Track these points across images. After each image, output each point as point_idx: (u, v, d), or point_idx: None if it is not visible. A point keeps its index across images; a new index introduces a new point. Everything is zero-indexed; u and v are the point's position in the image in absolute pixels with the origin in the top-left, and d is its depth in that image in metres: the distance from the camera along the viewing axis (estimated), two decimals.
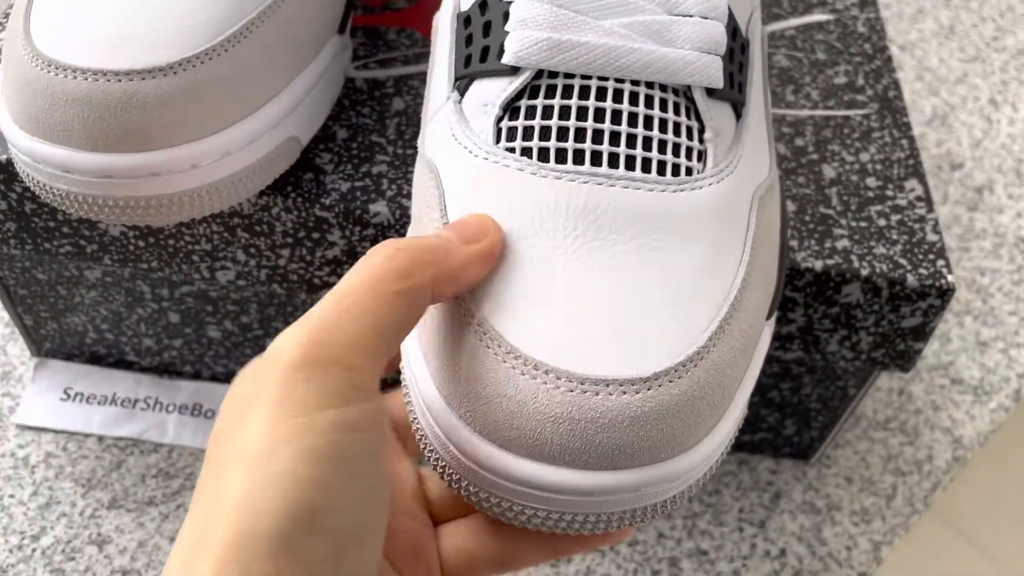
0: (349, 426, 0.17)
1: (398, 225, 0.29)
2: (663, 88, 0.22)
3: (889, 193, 0.31)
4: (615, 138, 0.21)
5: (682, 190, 0.21)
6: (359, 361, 0.17)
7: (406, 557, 0.21)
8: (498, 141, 0.22)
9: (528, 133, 0.22)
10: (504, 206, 0.21)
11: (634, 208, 0.21)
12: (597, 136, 0.21)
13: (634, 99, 0.22)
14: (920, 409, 0.40)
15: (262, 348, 0.36)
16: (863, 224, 0.30)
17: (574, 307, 0.19)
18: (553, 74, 0.22)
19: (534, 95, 0.22)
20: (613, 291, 0.20)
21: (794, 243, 0.29)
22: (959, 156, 0.51)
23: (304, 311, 0.34)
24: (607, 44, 0.21)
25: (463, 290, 0.20)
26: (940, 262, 0.29)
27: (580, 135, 0.21)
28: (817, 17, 0.37)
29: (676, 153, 0.22)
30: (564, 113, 0.21)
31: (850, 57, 0.36)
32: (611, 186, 0.21)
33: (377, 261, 0.19)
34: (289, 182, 0.29)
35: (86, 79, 0.23)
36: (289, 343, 0.17)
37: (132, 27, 0.24)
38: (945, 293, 0.29)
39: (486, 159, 0.22)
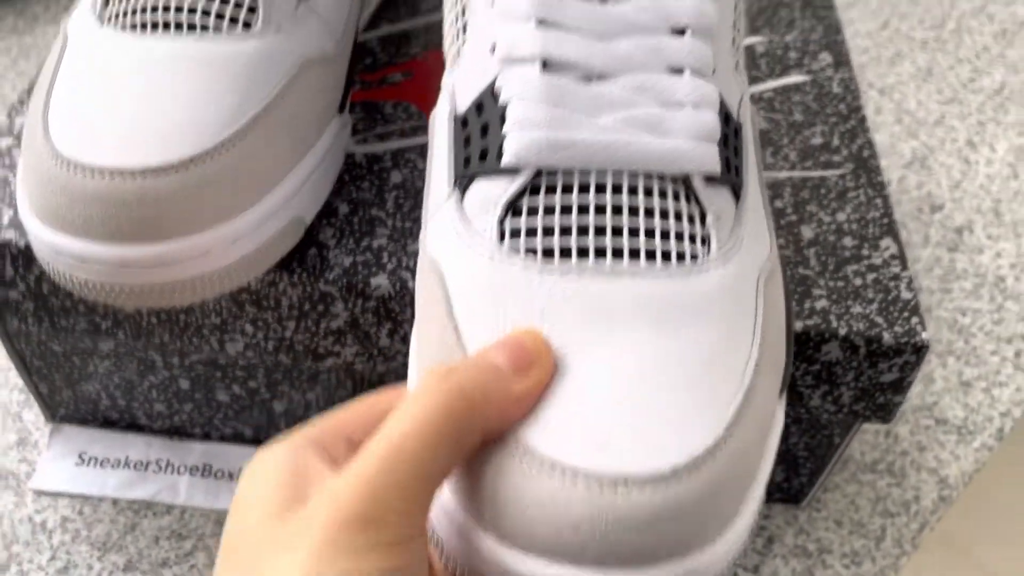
0: (400, 572, 0.17)
1: (398, 297, 0.30)
2: (662, 177, 0.22)
3: (865, 252, 0.32)
4: (618, 231, 0.22)
5: (689, 277, 0.22)
6: (412, 509, 0.17)
7: None
8: (502, 241, 0.22)
9: (532, 232, 0.22)
10: (512, 307, 0.21)
11: (643, 297, 0.21)
12: (600, 231, 0.22)
13: (634, 190, 0.22)
14: (906, 450, 0.42)
15: (269, 411, 0.37)
16: (840, 284, 0.31)
17: (589, 404, 0.19)
18: (553, 171, 0.22)
19: (535, 192, 0.22)
20: (627, 385, 0.20)
21: None
22: (939, 198, 0.53)
23: (310, 377, 0.35)
24: (604, 140, 0.22)
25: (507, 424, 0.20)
26: (914, 319, 0.30)
27: (583, 231, 0.22)
28: (794, 79, 0.39)
29: (680, 240, 0.22)
30: (566, 210, 0.22)
31: (826, 118, 0.37)
32: (618, 279, 0.21)
33: (434, 405, 0.18)
34: (294, 258, 0.30)
35: (103, 178, 0.25)
36: (345, 494, 0.17)
37: (145, 126, 0.26)
38: (920, 349, 0.30)
39: (491, 259, 0.22)
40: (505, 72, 0.23)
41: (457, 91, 0.25)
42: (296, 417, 0.37)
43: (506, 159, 0.22)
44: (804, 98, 0.38)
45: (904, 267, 0.32)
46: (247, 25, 0.28)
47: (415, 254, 0.31)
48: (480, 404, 0.19)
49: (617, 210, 0.22)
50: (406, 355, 0.32)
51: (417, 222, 0.32)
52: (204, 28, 0.27)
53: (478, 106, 0.24)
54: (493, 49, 0.24)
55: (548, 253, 0.22)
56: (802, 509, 0.39)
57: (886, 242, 0.33)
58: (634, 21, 0.23)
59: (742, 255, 0.23)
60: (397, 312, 0.31)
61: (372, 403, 0.22)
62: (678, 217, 0.22)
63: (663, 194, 0.22)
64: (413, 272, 0.30)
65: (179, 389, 0.37)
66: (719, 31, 0.25)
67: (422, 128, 0.35)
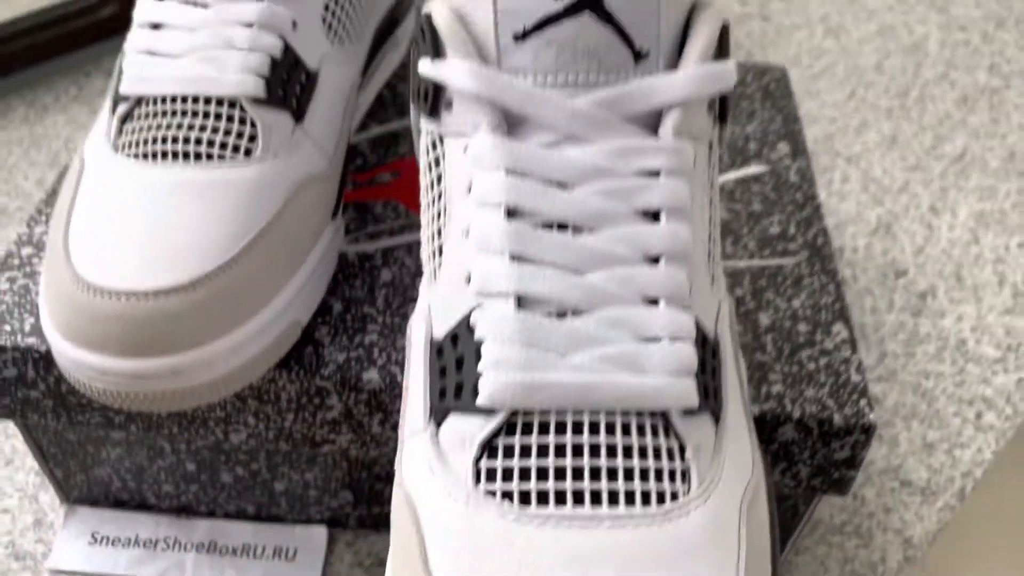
0: None
1: (388, 390, 0.33)
2: (639, 414, 0.22)
3: (818, 337, 0.35)
4: (596, 473, 0.21)
5: (670, 520, 0.21)
6: None
7: None
8: (478, 483, 0.22)
9: (508, 474, 0.22)
10: (488, 560, 0.21)
11: (621, 547, 0.20)
12: (577, 473, 0.21)
13: (611, 429, 0.22)
14: (873, 512, 0.44)
15: (270, 490, 0.40)
16: (795, 368, 0.34)
17: None
18: (528, 411, 0.22)
19: (511, 432, 0.22)
20: None
21: None
22: (903, 264, 0.56)
23: (308, 460, 0.38)
24: (579, 381, 0.22)
25: None
26: (863, 401, 0.33)
27: (561, 474, 0.21)
28: (753, 169, 0.42)
29: (659, 478, 0.22)
30: (542, 451, 0.22)
31: (783, 207, 0.40)
32: (596, 527, 0.21)
33: None
34: (292, 356, 0.33)
35: (119, 299, 0.28)
36: None
37: (156, 250, 0.29)
38: (868, 430, 0.33)
39: (466, 504, 0.22)
40: (480, 308, 0.23)
41: (434, 313, 0.25)
42: (296, 495, 0.40)
43: (481, 400, 0.22)
44: (763, 188, 0.41)
45: (854, 350, 0.35)
46: (248, 152, 0.31)
47: (403, 349, 0.34)
48: None
49: (595, 451, 0.22)
50: (396, 441, 0.34)
51: (405, 318, 0.35)
52: (209, 157, 0.30)
53: (453, 337, 0.24)
54: (468, 279, 0.24)
55: (525, 498, 0.21)
56: (775, 572, 0.41)
57: (837, 327, 0.36)
58: (607, 252, 0.23)
59: (723, 486, 0.23)
60: (387, 403, 0.33)
61: None
62: (656, 454, 0.22)
63: (641, 431, 0.22)
64: (402, 366, 0.33)
65: (186, 471, 0.40)
66: (694, 251, 0.24)
67: (410, 226, 0.38)
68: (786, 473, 0.34)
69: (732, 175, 0.42)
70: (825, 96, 0.68)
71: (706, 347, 0.24)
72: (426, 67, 0.25)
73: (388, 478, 0.38)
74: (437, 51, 0.24)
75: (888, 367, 0.50)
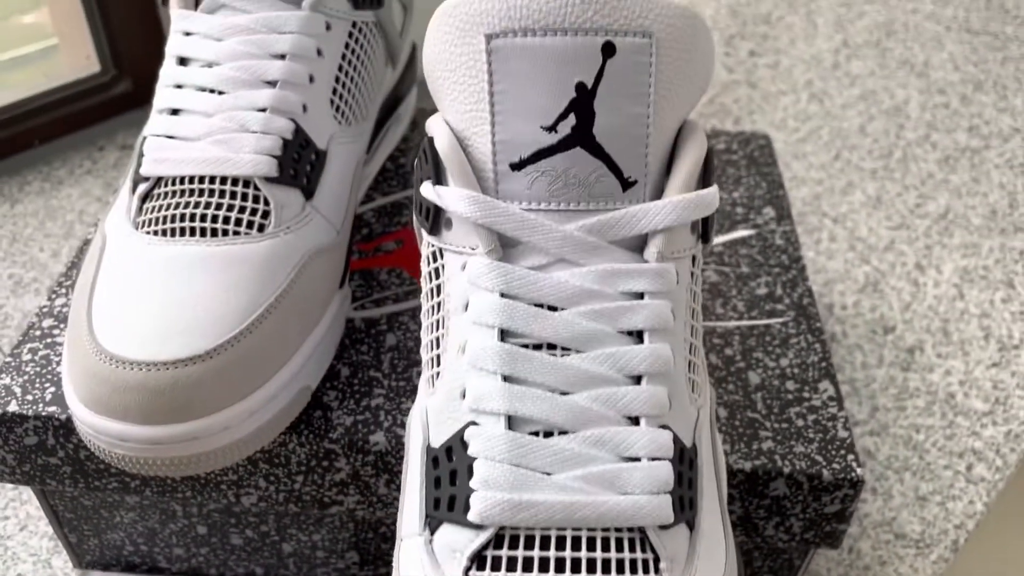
0: None
1: (394, 451, 0.34)
2: (618, 529, 0.24)
3: (806, 395, 0.37)
4: None
5: None
6: None
7: None
8: None
9: None
10: None
11: None
12: None
13: (591, 545, 0.23)
14: (868, 565, 0.45)
15: (279, 551, 0.41)
16: (784, 425, 0.35)
17: None
18: (516, 527, 0.24)
19: (499, 545, 0.24)
20: None
21: (727, 446, 0.35)
22: (891, 320, 0.58)
23: (316, 521, 0.39)
24: (563, 501, 0.23)
25: None
26: (850, 456, 0.34)
27: None
28: (741, 233, 0.44)
29: None
30: (528, 565, 0.23)
31: (770, 269, 0.42)
32: None
33: None
34: (302, 420, 0.35)
35: (140, 370, 0.29)
36: None
37: (175, 323, 0.30)
38: (856, 484, 0.34)
39: None
40: (473, 426, 0.25)
41: (431, 419, 0.27)
42: (303, 557, 0.41)
43: (472, 516, 0.24)
44: (750, 251, 0.43)
45: (840, 408, 0.36)
46: (261, 228, 0.33)
47: (408, 411, 0.35)
48: None
49: (576, 565, 0.23)
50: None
51: (410, 381, 0.36)
52: (224, 232, 0.32)
53: (448, 450, 0.25)
54: (463, 394, 0.25)
55: None
56: None
57: (824, 384, 0.37)
58: (592, 372, 0.25)
59: None
60: (393, 464, 0.35)
61: None
62: (632, 567, 0.23)
63: (619, 545, 0.23)
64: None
65: (197, 534, 0.41)
66: (675, 367, 0.26)
67: (413, 292, 0.40)
68: (779, 527, 0.35)
69: (721, 239, 0.44)
70: (811, 158, 0.71)
71: (684, 459, 0.25)
72: (428, 191, 0.27)
73: (393, 538, 0.39)
74: (438, 174, 0.26)
75: (879, 421, 0.51)
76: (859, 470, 0.34)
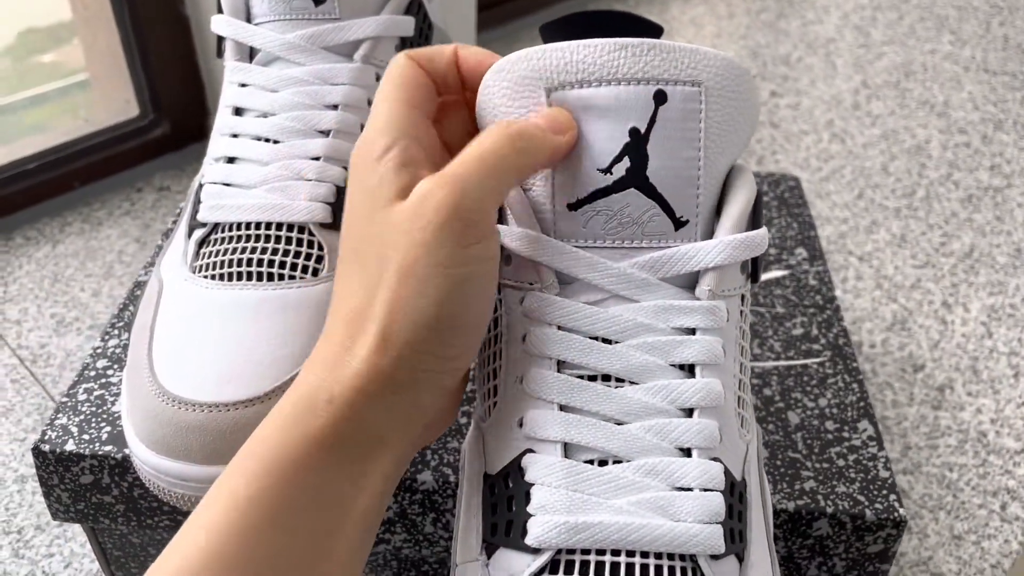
0: (484, 258, 0.24)
1: (441, 490, 0.35)
2: (671, 556, 0.24)
3: (845, 435, 0.37)
4: None
5: None
6: (493, 211, 0.24)
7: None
8: None
9: None
10: None
11: None
12: None
13: (645, 572, 0.24)
14: None
15: None
16: (825, 465, 0.36)
17: None
18: (572, 550, 0.24)
19: (555, 570, 0.24)
20: None
21: (769, 486, 0.35)
22: (920, 358, 0.58)
23: None
24: (619, 522, 0.24)
25: (547, 168, 0.26)
26: (892, 496, 0.35)
27: None
28: (774, 274, 0.45)
29: None
30: None
31: (804, 309, 0.43)
32: None
33: (506, 135, 0.24)
34: None
35: (202, 411, 0.30)
36: (448, 196, 0.23)
37: (234, 366, 0.31)
38: (899, 524, 0.34)
39: None
40: (530, 453, 0.26)
41: (488, 447, 0.27)
42: None
43: (529, 539, 0.24)
44: (784, 291, 0.44)
45: (880, 447, 0.37)
46: (315, 272, 0.34)
47: (455, 451, 0.36)
48: (532, 145, 0.25)
49: None
50: (447, 539, 0.36)
51: (456, 420, 0.37)
52: (280, 277, 0.33)
53: (505, 476, 0.26)
54: (520, 423, 0.26)
55: None
56: None
57: (863, 424, 0.38)
58: (645, 403, 0.25)
59: None
60: (440, 503, 0.35)
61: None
62: None
63: (672, 573, 0.24)
64: (454, 468, 0.35)
65: None
66: (726, 402, 0.26)
67: None
68: (822, 567, 0.36)
69: None
70: (835, 197, 0.72)
71: (734, 492, 0.26)
72: None
73: (435, 575, 0.40)
74: (500, 213, 0.27)
75: (912, 460, 0.51)
76: (901, 510, 0.34)
